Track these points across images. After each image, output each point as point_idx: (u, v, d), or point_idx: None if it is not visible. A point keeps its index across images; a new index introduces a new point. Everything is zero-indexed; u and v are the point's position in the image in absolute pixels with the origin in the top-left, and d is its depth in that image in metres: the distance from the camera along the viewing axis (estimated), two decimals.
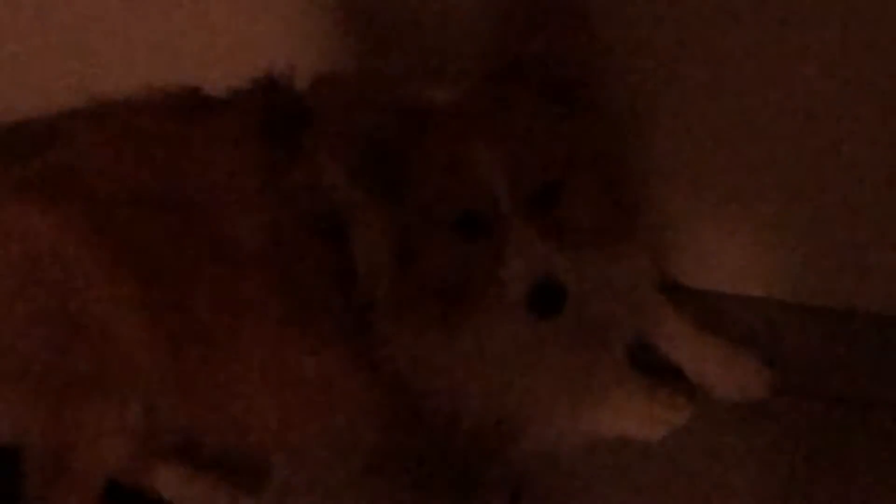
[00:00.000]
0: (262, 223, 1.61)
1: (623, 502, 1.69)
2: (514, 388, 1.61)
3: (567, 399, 1.67)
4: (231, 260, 1.62)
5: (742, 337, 1.79)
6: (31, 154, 1.67)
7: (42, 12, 1.86)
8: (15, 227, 1.63)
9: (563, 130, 1.47)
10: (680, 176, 1.77)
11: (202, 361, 1.65)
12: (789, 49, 1.58)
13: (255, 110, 1.65)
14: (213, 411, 1.69)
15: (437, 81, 1.54)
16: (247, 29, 1.79)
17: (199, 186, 1.63)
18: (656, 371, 1.77)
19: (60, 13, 1.85)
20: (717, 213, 1.79)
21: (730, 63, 1.62)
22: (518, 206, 1.42)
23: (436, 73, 1.64)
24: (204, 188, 1.63)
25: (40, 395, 1.63)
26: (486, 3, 1.66)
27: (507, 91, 1.47)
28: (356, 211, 1.54)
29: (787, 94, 1.62)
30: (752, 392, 1.75)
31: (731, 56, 1.61)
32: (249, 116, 1.64)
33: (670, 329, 1.78)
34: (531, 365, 1.58)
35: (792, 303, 1.84)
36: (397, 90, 1.52)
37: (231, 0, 1.78)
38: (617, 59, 1.63)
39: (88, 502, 1.68)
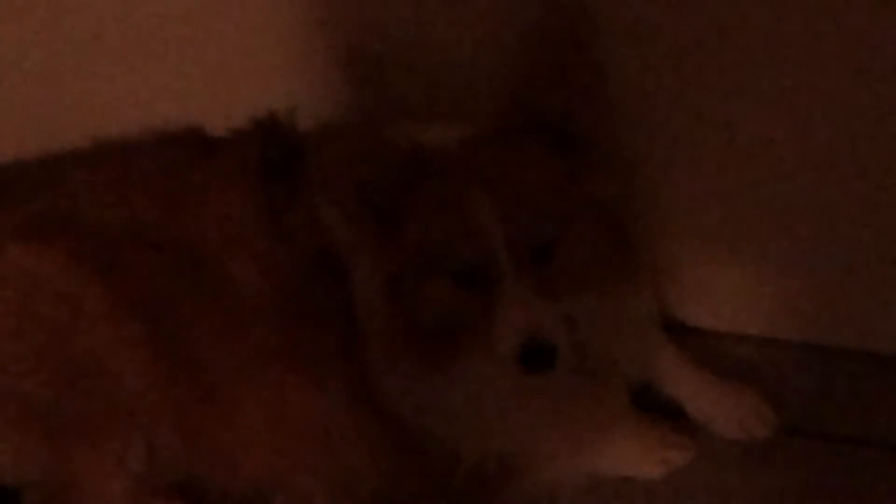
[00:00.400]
0: (262, 262, 1.61)
1: None
2: (514, 428, 1.61)
3: (568, 438, 1.66)
4: (231, 299, 1.62)
5: (744, 376, 1.79)
6: (31, 195, 1.68)
7: (43, 53, 1.87)
8: (16, 268, 1.63)
9: (567, 187, 1.47)
10: (680, 215, 1.77)
11: (203, 401, 1.64)
12: (785, 93, 1.59)
13: (256, 150, 1.65)
14: (215, 451, 1.68)
15: (440, 126, 1.55)
16: (248, 69, 1.80)
17: (200, 226, 1.63)
18: (658, 410, 1.77)
19: (61, 54, 1.86)
20: (718, 251, 1.79)
21: (727, 108, 1.63)
22: (514, 263, 1.42)
23: (439, 117, 1.64)
24: (204, 228, 1.63)
25: (42, 435, 1.63)
26: (492, 52, 1.67)
27: (512, 143, 1.48)
28: (354, 252, 1.54)
29: (787, 136, 1.63)
30: (754, 431, 1.75)
31: (728, 103, 1.63)
32: (250, 156, 1.65)
33: (672, 368, 1.78)
34: (531, 405, 1.58)
35: (794, 341, 1.84)
36: (399, 133, 1.52)
37: (233, 40, 1.78)
38: (621, 105, 1.65)
39: None
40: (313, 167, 1.54)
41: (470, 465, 1.63)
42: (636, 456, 1.73)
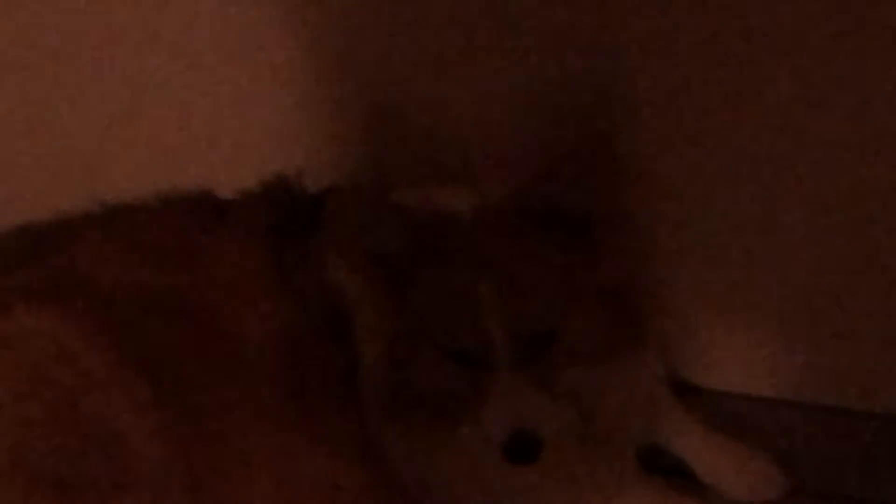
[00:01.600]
0: (271, 324, 1.61)
1: None
2: (519, 491, 1.60)
3: (575, 502, 1.65)
4: (239, 360, 1.62)
5: (753, 437, 1.78)
6: (40, 258, 1.67)
7: (50, 114, 1.87)
8: (23, 330, 1.61)
9: (575, 278, 1.49)
10: (686, 277, 1.78)
11: (212, 465, 1.63)
12: (793, 161, 1.60)
13: (265, 212, 1.66)
14: None
15: (452, 192, 1.56)
16: (259, 131, 1.81)
17: (209, 288, 1.63)
18: (667, 473, 1.76)
19: (69, 116, 1.86)
20: (726, 313, 1.79)
21: (732, 177, 1.65)
22: (511, 355, 1.44)
23: (450, 182, 1.65)
24: (213, 290, 1.63)
25: (50, 498, 1.61)
26: (509, 120, 1.69)
27: (524, 229, 1.48)
28: (359, 309, 1.55)
29: (794, 204, 1.64)
30: (764, 493, 1.74)
31: (733, 174, 1.65)
32: (259, 218, 1.65)
33: (680, 429, 1.78)
34: (535, 472, 1.55)
35: (804, 403, 1.83)
36: (411, 197, 1.54)
37: (243, 102, 1.80)
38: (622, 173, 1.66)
39: None
40: (325, 229, 1.54)
41: None
42: None
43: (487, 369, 1.45)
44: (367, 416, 1.58)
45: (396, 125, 1.75)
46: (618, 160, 1.61)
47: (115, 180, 1.77)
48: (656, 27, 1.59)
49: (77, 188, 1.74)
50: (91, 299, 1.62)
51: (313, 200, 1.65)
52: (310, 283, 1.60)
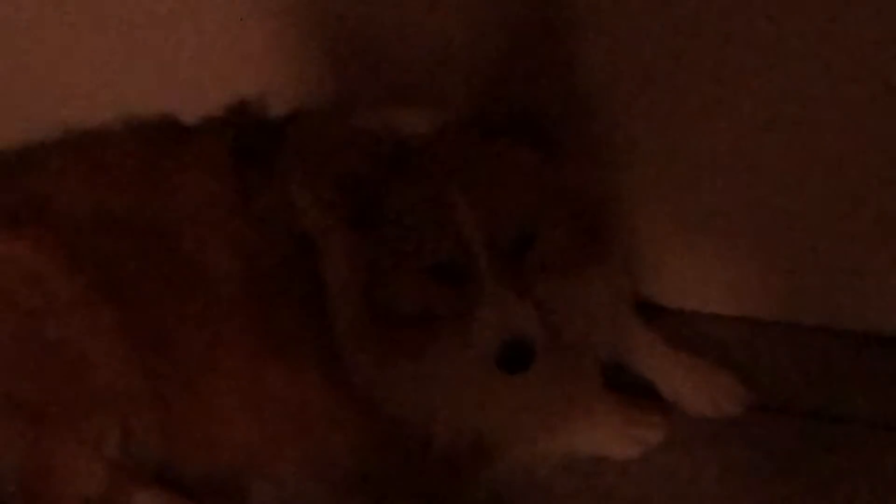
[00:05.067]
0: (235, 248, 1.61)
1: None
2: (487, 409, 1.62)
3: (542, 419, 1.67)
4: (205, 284, 1.62)
5: (715, 354, 1.81)
6: (4, 184, 1.68)
7: (14, 43, 1.87)
8: None
9: (542, 181, 1.47)
10: (653, 197, 1.78)
11: (179, 386, 1.65)
12: (760, 74, 1.60)
13: (228, 137, 1.66)
14: (190, 436, 1.69)
15: (415, 113, 1.54)
16: (222, 58, 1.81)
17: (173, 212, 1.64)
18: (631, 390, 1.78)
19: (33, 44, 1.86)
20: (690, 232, 1.80)
21: (701, 86, 1.64)
22: (492, 263, 1.42)
23: (412, 103, 1.64)
24: (177, 214, 1.63)
25: (16, 420, 1.63)
26: (466, 41, 1.67)
27: (488, 137, 1.47)
28: (327, 237, 1.54)
29: (759, 118, 1.64)
30: (726, 409, 1.76)
31: (700, 87, 1.64)
32: (222, 143, 1.65)
33: (644, 348, 1.80)
34: (503, 388, 1.58)
35: (765, 320, 1.86)
36: (374, 119, 1.52)
37: (206, 27, 1.79)
38: (592, 88, 1.65)
39: None
40: (289, 155, 1.53)
41: (443, 447, 1.64)
42: (610, 435, 1.74)
43: (470, 282, 1.43)
44: (339, 342, 1.57)
45: (358, 48, 1.74)
46: (571, 65, 1.60)
47: (78, 107, 1.77)
48: None
49: (40, 117, 1.74)
50: (56, 224, 1.64)
51: (276, 125, 1.64)
52: (274, 207, 1.59)
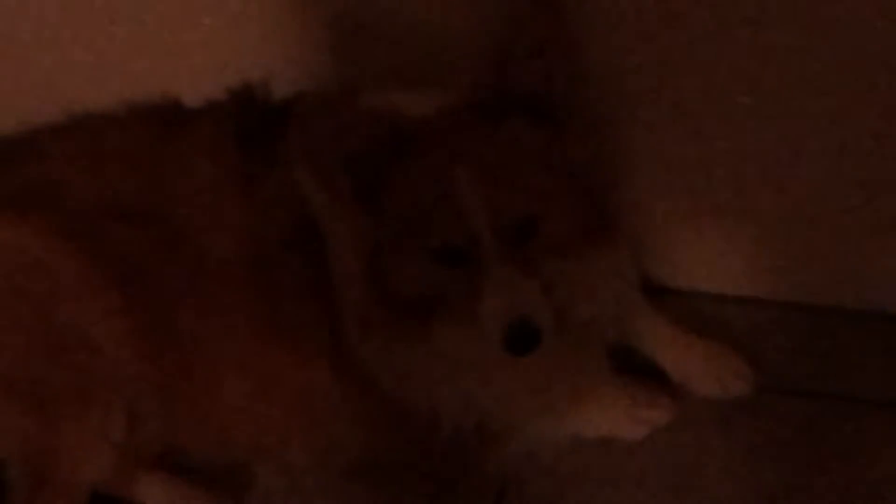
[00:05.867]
0: (240, 232, 1.62)
1: (608, 501, 1.69)
2: (494, 391, 1.62)
3: (549, 401, 1.67)
4: (210, 269, 1.63)
5: (722, 335, 1.80)
6: (8, 169, 1.68)
7: (16, 27, 1.86)
8: None
9: (546, 158, 1.47)
10: (657, 178, 1.78)
11: (184, 370, 1.65)
12: (761, 53, 1.60)
13: (231, 120, 1.66)
14: (196, 420, 1.69)
15: (418, 94, 1.54)
16: (226, 40, 1.80)
17: (177, 196, 1.64)
18: (638, 371, 1.78)
19: (36, 28, 1.86)
20: (695, 213, 1.80)
21: (708, 70, 1.64)
22: (498, 245, 1.42)
23: (415, 84, 1.64)
24: (181, 198, 1.64)
25: (23, 405, 1.63)
26: (468, 22, 1.67)
27: (492, 116, 1.46)
28: (331, 220, 1.54)
29: (761, 96, 1.64)
30: (733, 390, 1.76)
31: (704, 65, 1.63)
32: (225, 126, 1.65)
33: (651, 329, 1.79)
34: (509, 370, 1.58)
35: (771, 300, 1.85)
36: (377, 101, 1.52)
37: (209, 11, 1.78)
38: (597, 69, 1.65)
39: None
40: (293, 138, 1.53)
41: (449, 430, 1.64)
42: (617, 417, 1.74)
43: (476, 264, 1.43)
44: (344, 327, 1.58)
45: (360, 29, 1.73)
46: (573, 45, 1.59)
47: (83, 91, 1.77)
48: None
49: (44, 100, 1.74)
50: (60, 209, 1.64)
51: (279, 109, 1.64)
52: (278, 191, 1.60)
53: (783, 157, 1.70)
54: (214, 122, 1.67)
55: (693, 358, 1.78)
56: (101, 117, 1.71)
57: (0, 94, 1.91)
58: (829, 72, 1.59)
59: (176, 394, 1.67)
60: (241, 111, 1.67)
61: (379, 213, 1.47)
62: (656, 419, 1.74)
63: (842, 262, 1.79)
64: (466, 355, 1.55)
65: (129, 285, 1.63)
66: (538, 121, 1.47)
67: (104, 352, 1.63)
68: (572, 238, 1.50)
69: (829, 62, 1.58)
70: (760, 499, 1.66)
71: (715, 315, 1.85)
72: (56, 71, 1.89)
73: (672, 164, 1.76)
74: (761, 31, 1.58)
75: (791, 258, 1.81)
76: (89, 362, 1.63)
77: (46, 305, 1.62)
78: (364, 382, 1.61)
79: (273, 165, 1.60)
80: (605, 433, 1.74)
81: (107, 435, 1.65)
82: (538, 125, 1.47)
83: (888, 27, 1.52)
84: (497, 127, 1.46)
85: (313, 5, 1.74)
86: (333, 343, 1.60)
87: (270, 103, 1.67)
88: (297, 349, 1.63)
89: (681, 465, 1.71)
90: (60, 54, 1.87)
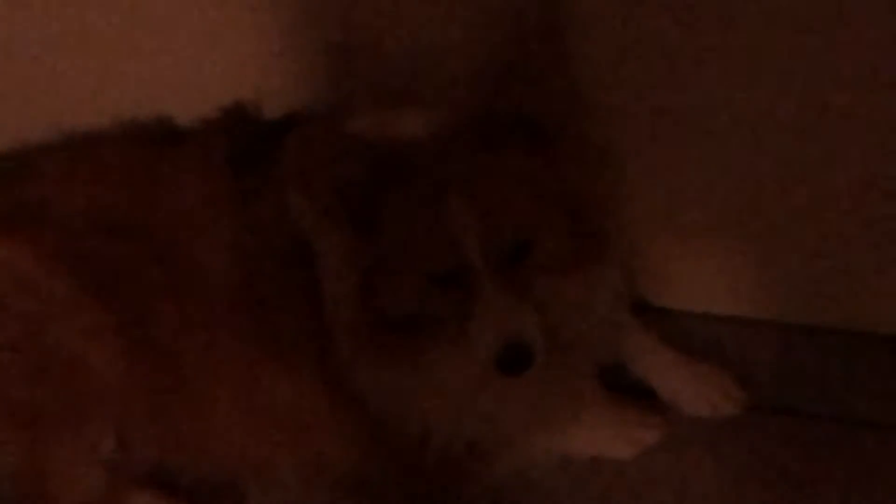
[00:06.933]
0: (231, 252, 1.62)
1: None
2: (483, 412, 1.62)
3: (538, 420, 1.67)
4: (201, 288, 1.63)
5: (711, 355, 1.80)
6: (1, 187, 1.68)
7: (11, 47, 1.87)
8: None
9: (541, 183, 1.47)
10: (648, 198, 1.78)
11: (174, 389, 1.65)
12: (757, 77, 1.60)
13: (224, 140, 1.66)
14: (186, 439, 1.69)
15: (410, 115, 1.53)
16: (219, 60, 1.80)
17: (169, 215, 1.64)
18: (627, 390, 1.78)
19: (30, 48, 1.86)
20: (685, 233, 1.80)
21: (697, 90, 1.64)
22: (491, 269, 1.42)
23: (406, 104, 1.64)
24: (173, 217, 1.64)
25: (12, 426, 1.63)
26: (463, 42, 1.67)
27: (487, 141, 1.45)
28: (323, 242, 1.54)
29: (753, 121, 1.64)
30: (723, 409, 1.76)
31: (697, 89, 1.64)
32: (217, 146, 1.66)
33: (640, 348, 1.79)
34: (500, 390, 1.58)
35: (760, 320, 1.85)
36: (369, 123, 1.51)
37: (201, 30, 1.79)
38: (591, 88, 1.65)
39: None
40: (286, 163, 1.52)
41: (439, 449, 1.64)
42: (606, 436, 1.74)
43: (468, 287, 1.44)
44: (335, 346, 1.57)
45: (354, 48, 1.74)
46: (570, 67, 1.59)
47: (74, 109, 1.77)
48: None
49: (37, 120, 1.75)
50: (51, 227, 1.65)
51: (271, 128, 1.65)
52: (270, 211, 1.60)
53: (775, 176, 1.70)
54: (207, 141, 1.68)
55: (683, 378, 1.78)
56: (93, 136, 1.72)
57: None
58: (825, 93, 1.59)
59: (166, 412, 1.67)
60: (233, 130, 1.67)
61: (371, 236, 1.47)
62: (646, 439, 1.74)
63: (834, 283, 1.78)
64: (457, 375, 1.55)
65: (120, 304, 1.63)
66: (534, 145, 1.47)
67: (94, 371, 1.63)
68: (565, 258, 1.50)
69: (826, 85, 1.58)
70: None
71: (705, 335, 1.84)
72: (49, 90, 1.89)
73: (663, 183, 1.76)
74: (761, 54, 1.58)
75: (783, 278, 1.81)
76: (79, 381, 1.63)
77: (36, 325, 1.62)
78: (354, 401, 1.60)
79: (265, 185, 1.60)
80: (595, 452, 1.74)
81: (97, 454, 1.66)
82: (534, 150, 1.47)
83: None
84: (492, 152, 1.45)
85: (307, 25, 1.74)
86: (324, 362, 1.60)
87: (262, 122, 1.68)
88: (287, 368, 1.63)
89: (670, 485, 1.71)
90: (53, 73, 1.87)
